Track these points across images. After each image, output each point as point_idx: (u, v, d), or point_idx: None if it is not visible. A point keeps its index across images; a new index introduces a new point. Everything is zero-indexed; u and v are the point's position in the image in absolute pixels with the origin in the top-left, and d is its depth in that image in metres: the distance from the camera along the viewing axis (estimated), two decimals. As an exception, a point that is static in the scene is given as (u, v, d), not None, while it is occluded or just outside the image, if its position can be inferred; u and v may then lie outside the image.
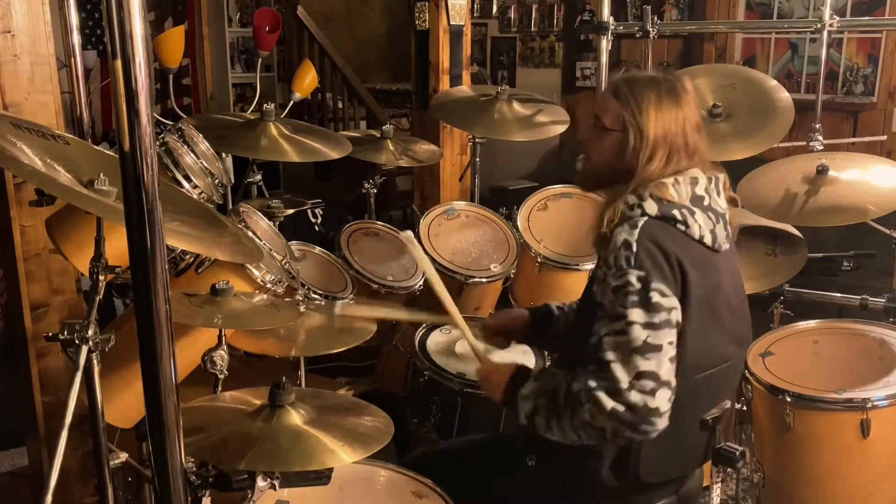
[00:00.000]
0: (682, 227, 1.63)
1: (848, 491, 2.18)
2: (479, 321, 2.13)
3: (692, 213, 1.64)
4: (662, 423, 1.54)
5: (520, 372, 1.75)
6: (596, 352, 1.57)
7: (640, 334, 1.53)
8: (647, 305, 1.54)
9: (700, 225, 1.64)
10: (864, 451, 2.12)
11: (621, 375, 1.53)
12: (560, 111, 3.46)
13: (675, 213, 1.62)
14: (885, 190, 2.51)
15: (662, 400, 1.53)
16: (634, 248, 1.57)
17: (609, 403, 1.53)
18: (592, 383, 1.55)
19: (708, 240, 1.65)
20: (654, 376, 1.52)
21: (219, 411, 1.58)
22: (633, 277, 1.55)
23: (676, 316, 1.57)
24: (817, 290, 2.78)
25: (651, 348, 1.53)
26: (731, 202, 1.76)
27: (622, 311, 1.55)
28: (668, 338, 1.55)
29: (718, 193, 1.71)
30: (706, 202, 1.68)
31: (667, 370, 1.54)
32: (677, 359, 1.58)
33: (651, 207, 1.62)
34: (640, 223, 1.60)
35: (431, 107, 3.61)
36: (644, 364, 1.53)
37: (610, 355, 1.55)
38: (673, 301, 1.56)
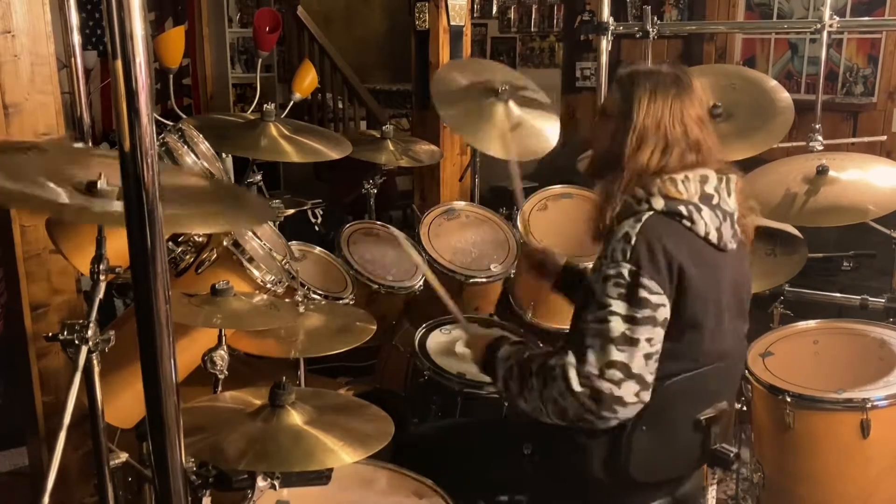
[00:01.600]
0: (688, 223, 1.64)
1: (848, 491, 2.18)
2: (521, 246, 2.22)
3: (699, 210, 1.65)
4: (625, 413, 1.59)
5: (500, 338, 1.83)
6: (577, 334, 1.63)
7: (619, 326, 1.57)
8: (632, 300, 1.57)
9: (706, 222, 1.65)
10: (864, 451, 2.12)
11: (594, 361, 1.58)
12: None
13: (682, 208, 1.64)
14: (885, 190, 2.51)
15: (628, 392, 1.57)
16: (633, 242, 1.59)
17: (577, 386, 1.58)
18: (569, 362, 1.59)
19: (713, 237, 1.66)
20: (624, 368, 1.57)
21: (219, 411, 1.58)
22: (625, 270, 1.58)
23: (663, 314, 1.59)
24: (817, 290, 2.78)
25: (627, 341, 1.57)
26: (751, 209, 1.77)
27: (607, 301, 1.59)
28: (646, 334, 1.57)
29: (729, 193, 1.72)
30: (715, 200, 1.68)
31: (639, 365, 1.57)
32: (671, 354, 1.61)
33: (658, 202, 1.64)
34: (644, 217, 1.62)
35: (431, 107, 3.61)
36: (617, 355, 1.57)
37: (589, 340, 1.60)
38: (660, 299, 1.58)
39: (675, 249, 1.60)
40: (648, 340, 1.58)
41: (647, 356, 1.58)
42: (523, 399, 1.69)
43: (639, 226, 1.61)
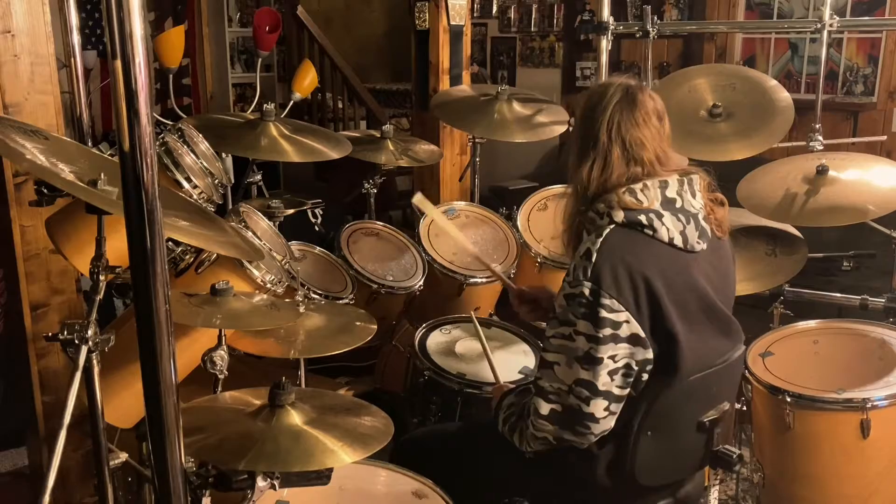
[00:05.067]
0: (650, 232, 1.63)
1: (848, 491, 2.18)
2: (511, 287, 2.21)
3: (659, 217, 1.64)
4: (599, 428, 1.63)
5: (512, 389, 1.90)
6: (543, 351, 1.67)
7: (582, 345, 1.59)
8: (594, 319, 1.58)
9: (668, 227, 1.64)
10: (864, 451, 2.12)
11: (563, 377, 1.62)
12: (560, 111, 3.46)
13: (642, 218, 1.63)
14: (885, 190, 2.51)
15: (597, 408, 1.60)
16: (593, 259, 1.60)
17: (545, 406, 1.64)
18: (537, 390, 1.67)
19: (678, 241, 1.65)
20: (589, 386, 1.60)
21: (219, 411, 1.58)
22: (586, 289, 1.59)
23: (628, 330, 1.59)
24: (817, 290, 2.78)
25: (590, 360, 1.59)
26: (718, 202, 1.76)
27: (571, 319, 1.61)
28: (609, 352, 1.58)
29: (693, 194, 1.70)
30: (678, 204, 1.67)
31: (604, 382, 1.59)
32: (657, 365, 1.61)
33: (618, 215, 1.64)
34: (605, 232, 1.62)
35: (431, 107, 3.61)
36: (582, 373, 1.60)
37: (553, 356, 1.63)
38: (622, 315, 1.58)
39: (637, 263, 1.60)
40: (612, 357, 1.59)
41: (612, 372, 1.59)
42: (513, 440, 1.77)
43: (599, 241, 1.61)
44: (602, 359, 1.58)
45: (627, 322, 1.58)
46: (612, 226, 1.63)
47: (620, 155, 1.68)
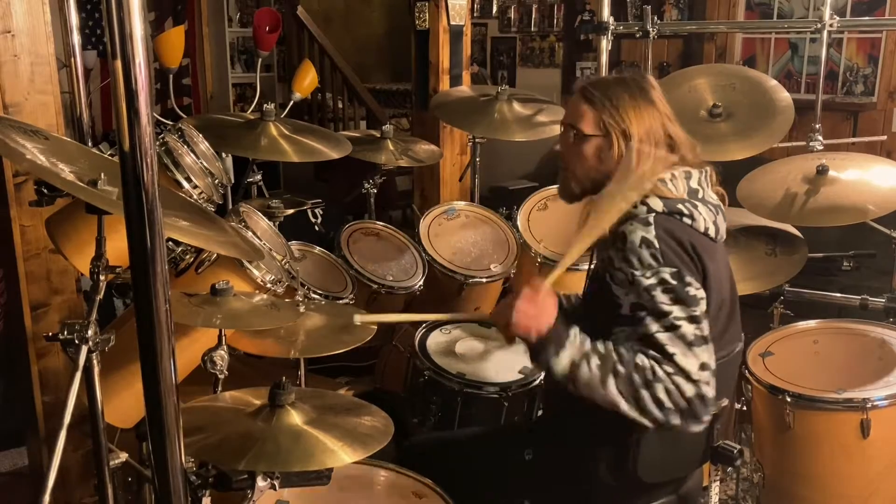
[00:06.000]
0: (689, 221, 1.64)
1: (848, 491, 2.18)
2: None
3: (695, 207, 1.65)
4: (708, 413, 1.57)
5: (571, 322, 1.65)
6: (653, 350, 1.56)
7: (688, 329, 1.55)
8: (687, 300, 1.56)
9: (704, 217, 1.66)
10: (864, 451, 2.12)
11: (690, 366, 1.54)
12: (560, 111, 3.46)
13: (681, 207, 1.64)
14: (885, 190, 2.51)
15: (711, 389, 1.56)
16: (658, 245, 1.57)
17: (690, 390, 1.53)
18: (668, 368, 1.53)
19: (712, 231, 1.67)
20: (708, 367, 1.55)
21: (219, 411, 1.58)
22: (667, 274, 1.56)
23: (704, 306, 1.58)
24: (817, 290, 2.78)
25: (701, 340, 1.56)
26: (720, 197, 1.77)
27: (666, 309, 1.55)
28: (707, 328, 1.57)
29: (709, 185, 1.73)
30: (701, 195, 1.69)
31: (714, 360, 1.57)
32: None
33: (656, 204, 1.63)
34: (652, 219, 1.60)
35: (431, 107, 3.61)
36: (702, 355, 1.55)
37: (671, 349, 1.55)
38: (702, 292, 1.58)
39: (692, 246, 1.60)
40: (709, 334, 1.58)
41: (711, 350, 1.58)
42: (604, 388, 1.55)
43: (652, 228, 1.59)
44: (707, 336, 1.56)
45: (704, 299, 1.58)
46: (653, 213, 1.61)
47: (665, 143, 1.68)
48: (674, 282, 1.55)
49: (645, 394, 1.53)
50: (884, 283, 2.81)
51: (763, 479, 2.34)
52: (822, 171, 2.57)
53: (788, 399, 2.17)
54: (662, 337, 1.55)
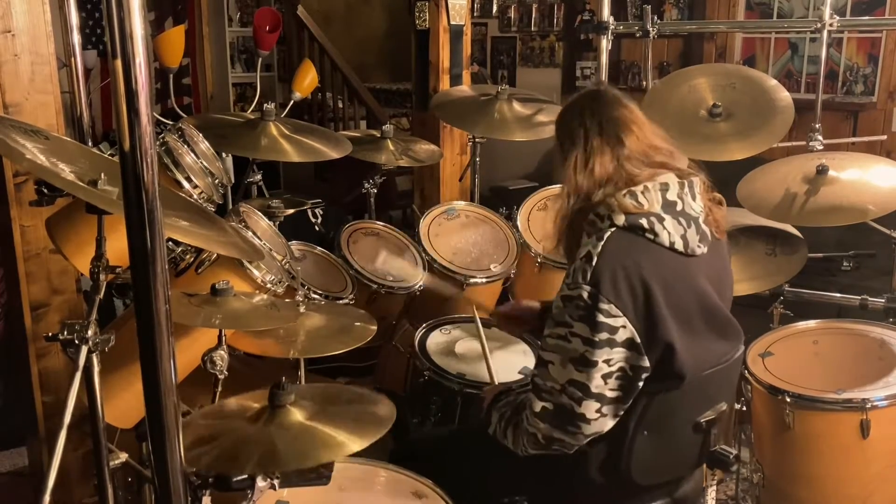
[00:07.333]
0: (651, 236, 1.62)
1: (848, 491, 2.18)
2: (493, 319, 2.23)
3: (661, 221, 1.63)
4: (591, 429, 1.62)
5: (505, 389, 1.90)
6: (541, 349, 1.68)
7: (578, 347, 1.59)
8: (591, 322, 1.57)
9: (669, 231, 1.63)
10: (863, 451, 2.12)
11: (557, 377, 1.62)
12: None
13: (643, 221, 1.62)
14: (885, 190, 2.51)
15: (589, 409, 1.60)
16: (594, 263, 1.59)
17: (538, 404, 1.64)
18: (532, 388, 1.67)
19: (679, 245, 1.64)
20: (582, 387, 1.60)
21: (220, 419, 1.56)
22: (584, 293, 1.58)
23: (624, 335, 1.58)
24: (817, 290, 2.78)
25: (585, 362, 1.59)
26: (716, 202, 1.76)
27: (568, 321, 1.60)
28: (604, 356, 1.58)
29: (694, 197, 1.69)
30: (679, 207, 1.66)
31: (597, 385, 1.59)
32: (654, 372, 1.61)
33: (619, 218, 1.63)
34: (606, 235, 1.61)
35: (431, 106, 3.61)
36: (576, 374, 1.60)
37: (549, 356, 1.63)
38: (619, 321, 1.57)
39: (637, 268, 1.58)
40: (607, 361, 1.58)
41: (606, 376, 1.59)
42: (506, 438, 1.75)
43: (600, 245, 1.60)
44: (597, 362, 1.57)
45: (624, 327, 1.57)
46: (612, 229, 1.62)
47: (601, 144, 1.69)
48: (588, 301, 1.57)
49: (519, 429, 1.70)
50: (884, 283, 2.81)
51: (763, 480, 2.34)
52: (821, 170, 2.57)
53: (788, 399, 2.16)
54: (551, 343, 1.63)
